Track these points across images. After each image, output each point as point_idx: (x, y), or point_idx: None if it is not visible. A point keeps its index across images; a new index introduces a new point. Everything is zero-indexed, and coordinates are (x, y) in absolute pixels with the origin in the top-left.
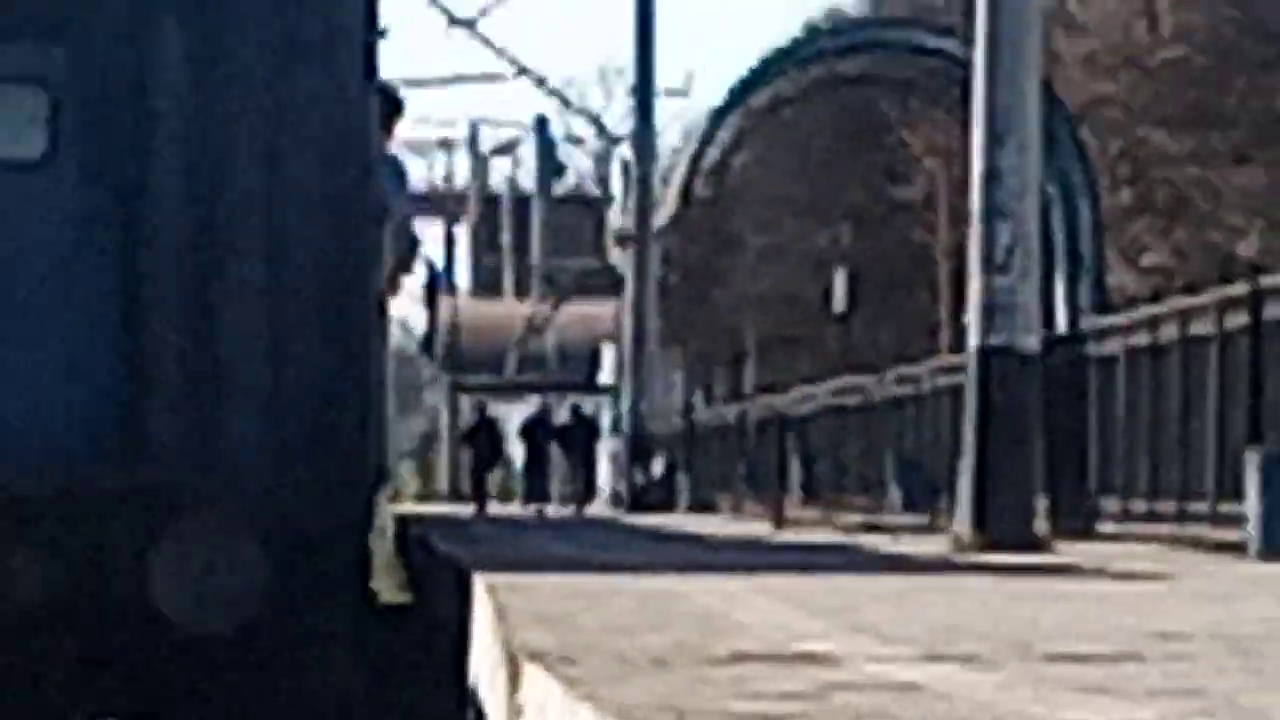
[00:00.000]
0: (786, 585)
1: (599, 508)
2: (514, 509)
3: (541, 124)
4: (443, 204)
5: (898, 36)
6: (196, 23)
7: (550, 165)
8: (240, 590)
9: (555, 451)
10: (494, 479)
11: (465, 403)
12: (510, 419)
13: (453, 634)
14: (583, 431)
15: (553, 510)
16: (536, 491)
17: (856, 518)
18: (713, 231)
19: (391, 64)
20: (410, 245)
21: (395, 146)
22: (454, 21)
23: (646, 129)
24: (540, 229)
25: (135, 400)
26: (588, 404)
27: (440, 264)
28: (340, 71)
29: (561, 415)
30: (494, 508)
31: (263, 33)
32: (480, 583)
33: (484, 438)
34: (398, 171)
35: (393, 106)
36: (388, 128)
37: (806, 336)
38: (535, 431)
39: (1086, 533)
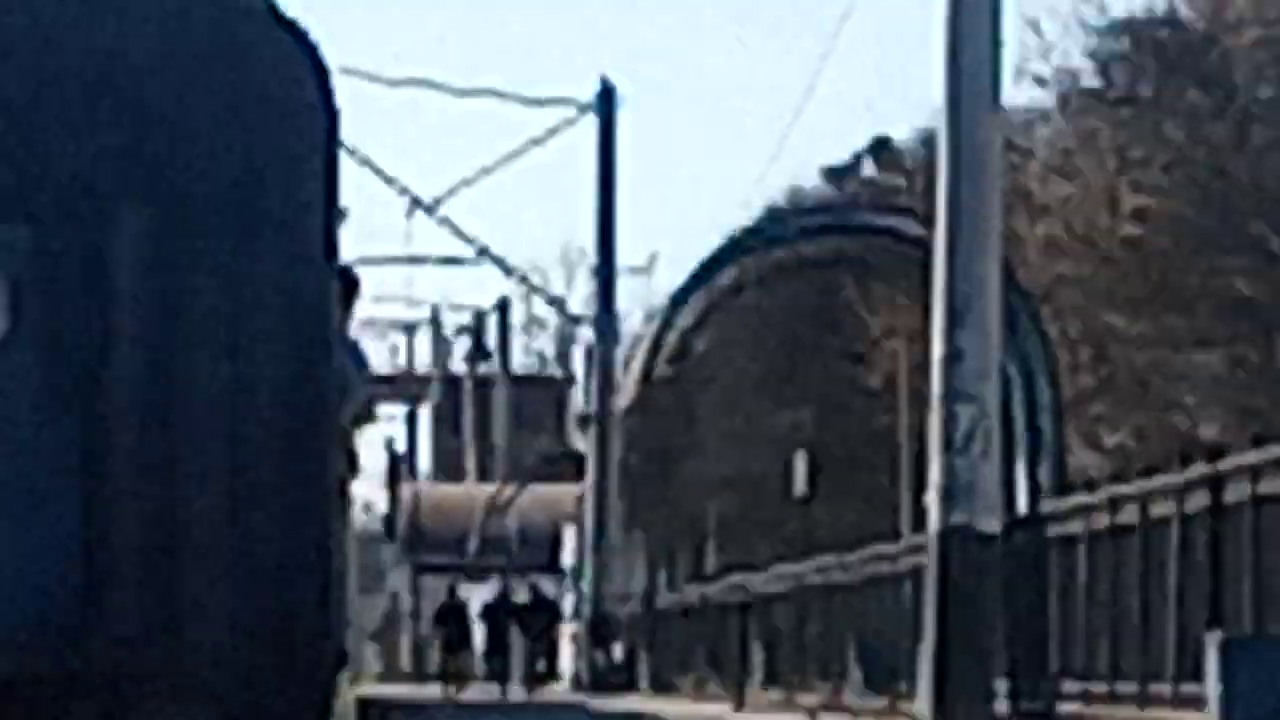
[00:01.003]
0: None
1: (561, 689)
2: (476, 690)
3: (503, 306)
4: (404, 386)
5: (859, 219)
6: (156, 202)
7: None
8: None
9: (516, 633)
10: (458, 660)
11: (429, 584)
12: (472, 601)
13: None
14: (543, 613)
15: (514, 691)
16: (498, 673)
17: (817, 699)
18: (674, 413)
19: (352, 245)
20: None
21: (357, 328)
22: (416, 204)
23: (608, 311)
24: (502, 411)
25: (94, 581)
26: (549, 585)
27: (402, 446)
28: (301, 251)
29: (522, 597)
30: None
31: (222, 212)
32: None
33: (453, 619)
34: (357, 353)
35: (350, 286)
36: (346, 308)
37: (768, 518)
38: (496, 613)
39: (1047, 714)
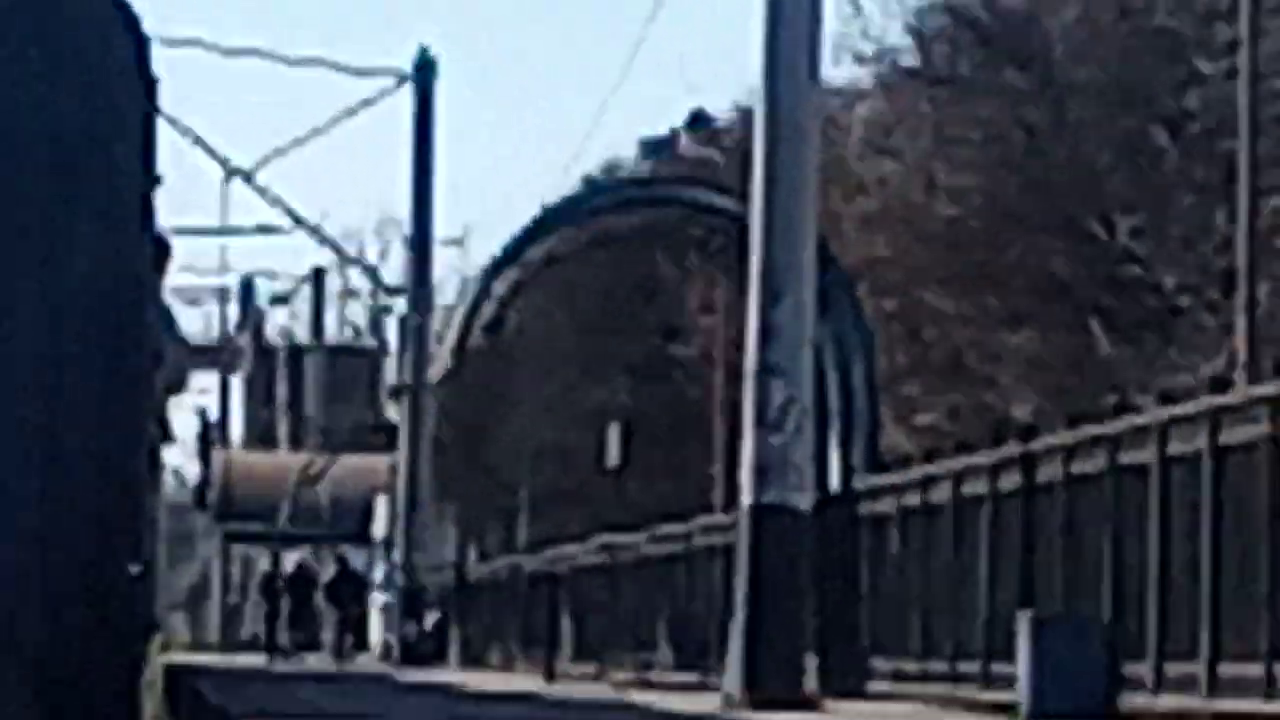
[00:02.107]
0: None
1: (370, 660)
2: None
3: (318, 276)
4: (218, 355)
5: (675, 193)
6: None
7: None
8: None
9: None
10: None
11: (239, 553)
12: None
13: None
14: (349, 584)
15: (317, 661)
16: (303, 643)
17: (628, 674)
18: (488, 385)
19: (169, 212)
20: (179, 383)
21: (170, 295)
22: (232, 172)
23: (422, 282)
24: (315, 381)
25: None
26: (358, 556)
27: (214, 415)
28: (115, 218)
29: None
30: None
31: (35, 177)
32: None
33: (275, 589)
34: (168, 321)
35: (162, 253)
36: (158, 273)
37: (580, 491)
38: (299, 583)
39: (858, 692)
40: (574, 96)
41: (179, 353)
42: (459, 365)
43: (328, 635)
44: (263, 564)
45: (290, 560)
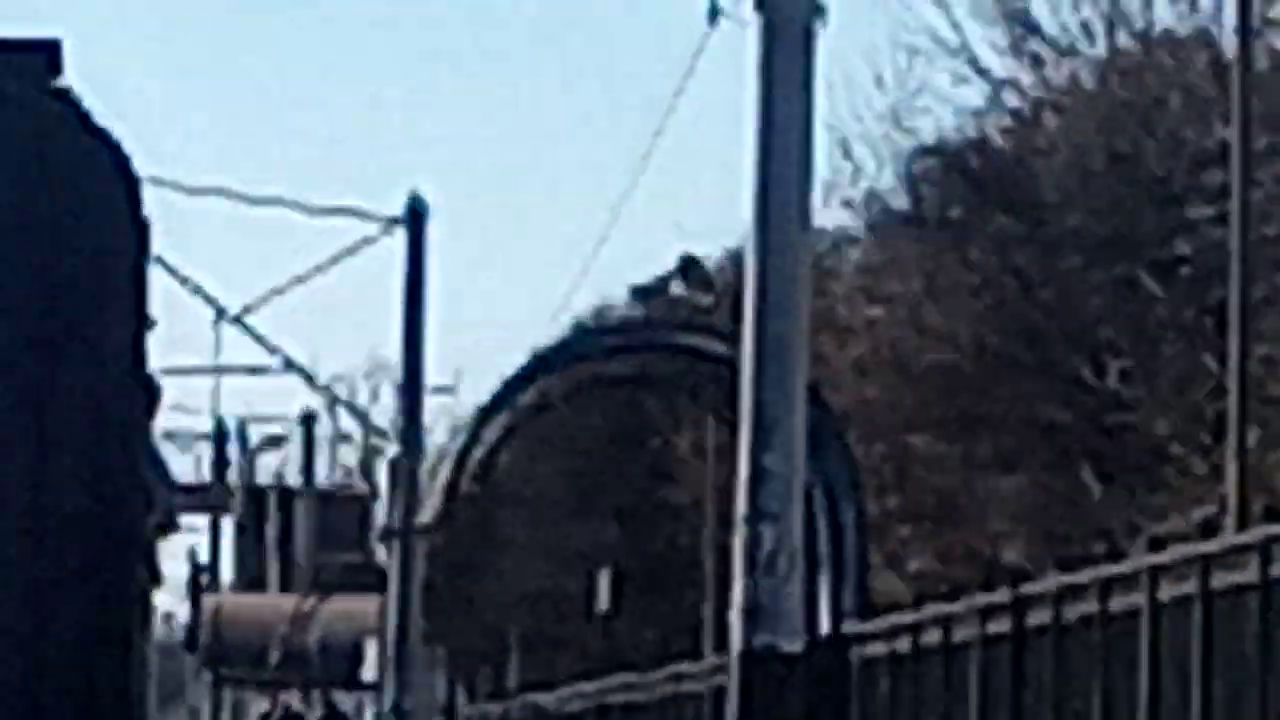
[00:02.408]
0: None
1: None
2: None
3: (308, 419)
4: (208, 497)
5: (665, 338)
6: None
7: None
8: None
9: None
10: None
11: (229, 696)
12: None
13: None
14: None
15: None
16: None
17: None
18: (478, 529)
19: (160, 353)
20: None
21: (161, 438)
22: (221, 314)
23: (413, 425)
24: (305, 524)
25: None
26: (346, 699)
27: (205, 558)
28: (108, 362)
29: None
30: None
31: (29, 321)
32: None
33: None
34: (157, 463)
35: (152, 395)
36: (148, 416)
37: (570, 635)
38: None
39: None
40: (565, 241)
41: (169, 495)
42: (449, 509)
43: None
44: (254, 708)
45: (268, 706)
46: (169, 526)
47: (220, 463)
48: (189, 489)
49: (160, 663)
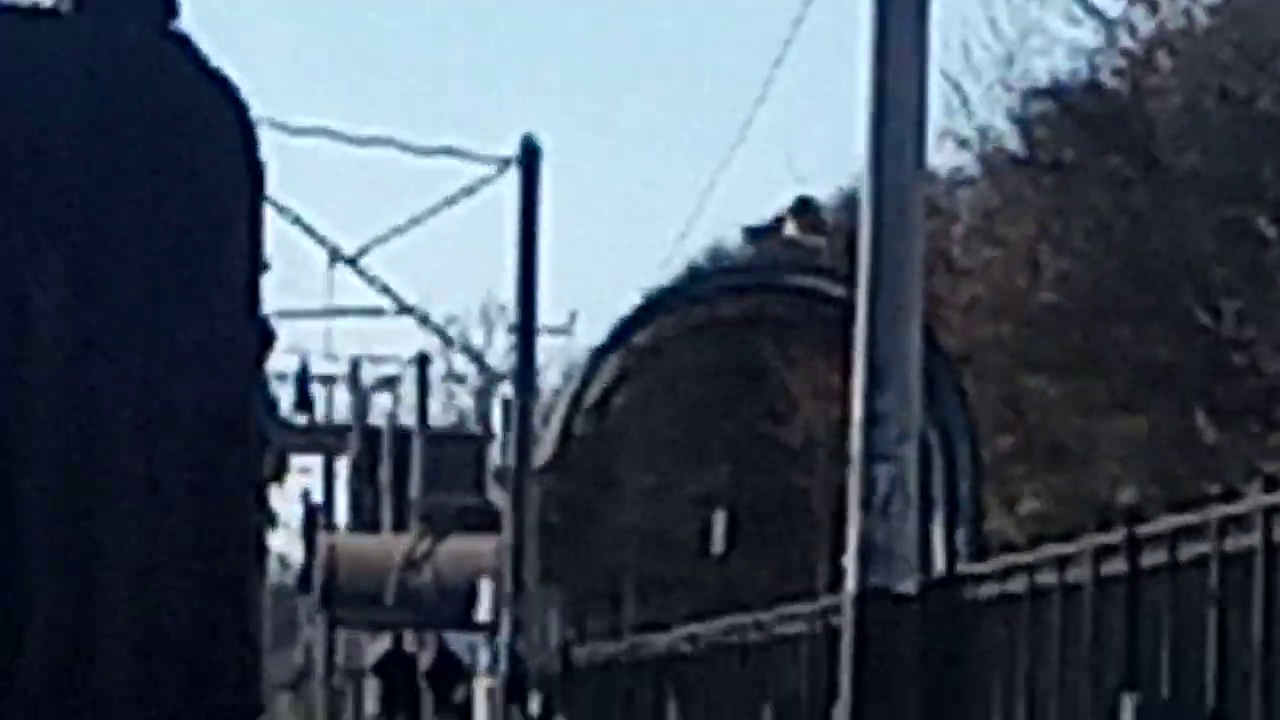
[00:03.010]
0: None
1: None
2: None
3: (422, 360)
4: (323, 439)
5: (779, 279)
6: (77, 254)
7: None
8: None
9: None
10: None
11: (344, 637)
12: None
13: None
14: (446, 669)
15: None
16: None
17: None
18: (592, 470)
19: (274, 296)
20: (279, 470)
21: (274, 380)
22: (336, 257)
23: (527, 367)
24: (420, 465)
25: (4, 637)
26: (457, 640)
27: (319, 499)
28: (223, 306)
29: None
30: None
31: (144, 265)
32: None
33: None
34: (268, 401)
35: (266, 339)
36: (262, 359)
37: (685, 576)
38: (390, 668)
39: None
40: (679, 182)
41: (283, 437)
42: (564, 450)
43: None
44: (369, 649)
45: (386, 645)
46: (282, 468)
47: (304, 401)
48: (303, 430)
49: (274, 604)
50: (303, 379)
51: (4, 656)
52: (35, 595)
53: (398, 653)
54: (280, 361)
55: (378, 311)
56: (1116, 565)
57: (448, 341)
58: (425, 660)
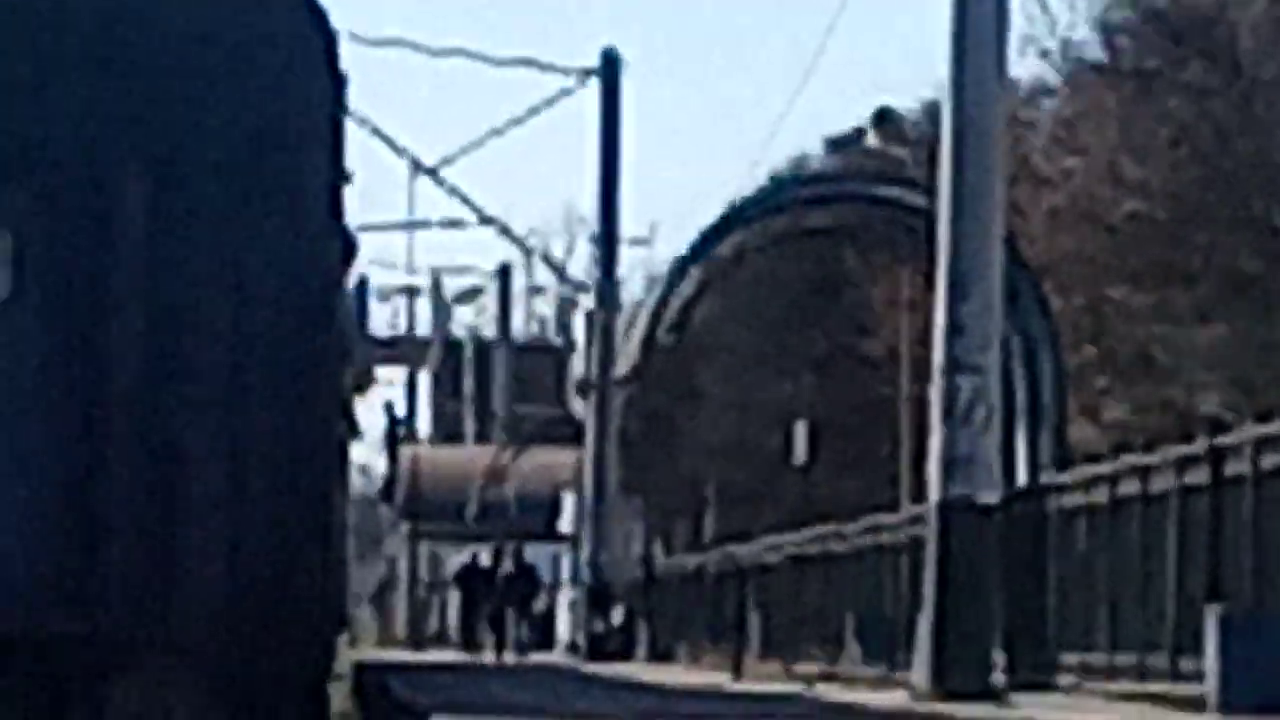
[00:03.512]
0: None
1: (556, 656)
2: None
3: (504, 272)
4: (405, 350)
5: (862, 190)
6: (160, 166)
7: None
8: None
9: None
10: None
11: (426, 549)
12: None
13: None
14: (523, 580)
15: (504, 658)
16: (471, 640)
17: (815, 668)
18: (674, 381)
19: (357, 208)
20: (366, 379)
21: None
22: (419, 168)
23: (609, 278)
24: (502, 376)
25: (91, 543)
26: (536, 552)
27: (401, 410)
28: (306, 215)
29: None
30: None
31: (227, 174)
32: None
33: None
34: (356, 317)
35: (349, 248)
36: (345, 269)
37: (767, 487)
38: (471, 579)
39: (1045, 685)
40: (759, 94)
41: (367, 348)
42: (646, 361)
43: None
44: (451, 559)
45: (468, 557)
46: (367, 379)
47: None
48: (386, 342)
49: (358, 515)
50: (361, 293)
51: (87, 556)
52: (118, 495)
53: (476, 565)
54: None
55: (459, 223)
56: (1199, 475)
57: (528, 253)
58: (504, 572)
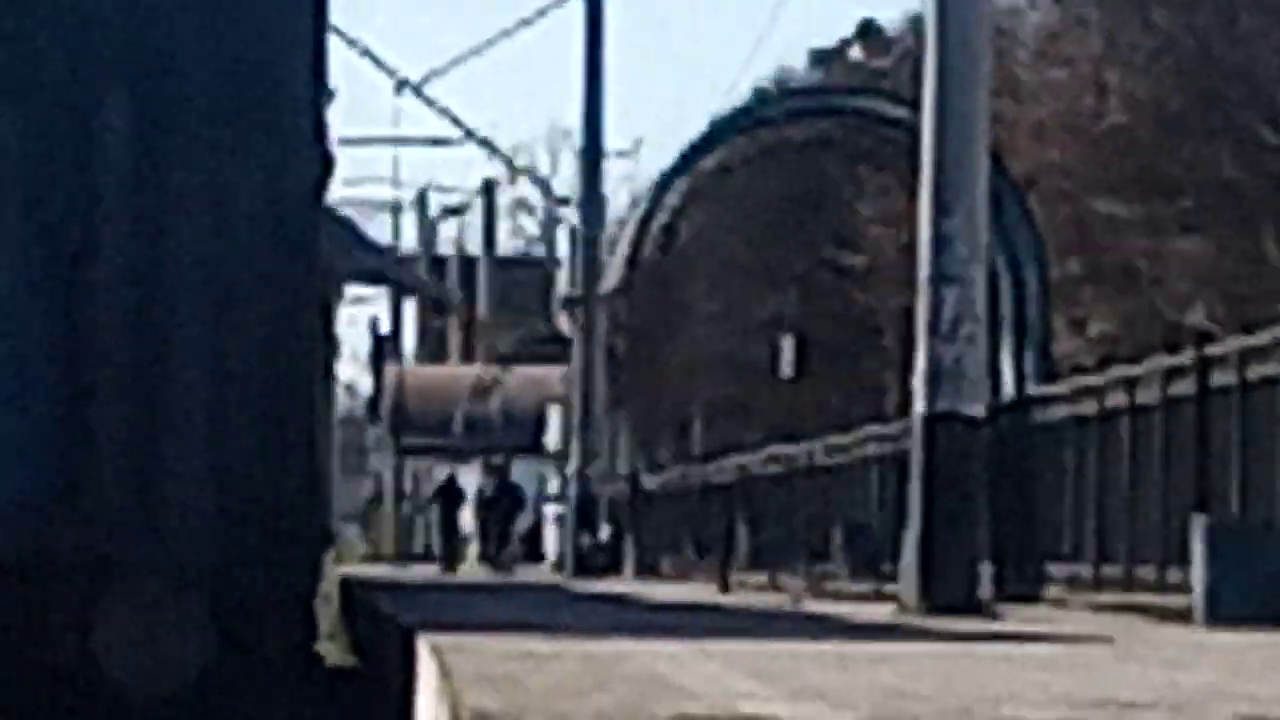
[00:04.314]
0: (731, 649)
1: (543, 572)
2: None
3: (489, 188)
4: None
5: (846, 102)
6: (143, 86)
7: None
8: (184, 653)
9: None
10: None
11: (412, 466)
12: (465, 483)
13: (398, 696)
14: (507, 499)
15: (489, 574)
16: (448, 556)
17: (802, 582)
18: (660, 296)
19: (340, 124)
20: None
21: (346, 207)
22: (402, 85)
23: (594, 193)
24: (487, 293)
25: (78, 463)
26: (521, 469)
27: (386, 327)
28: (288, 132)
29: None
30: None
31: (209, 92)
32: (425, 644)
33: (454, 501)
34: (349, 227)
35: (325, 163)
36: (322, 186)
37: (754, 401)
38: (447, 496)
39: (1032, 598)
40: (744, 7)
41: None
42: (631, 276)
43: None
44: (437, 476)
45: (453, 472)
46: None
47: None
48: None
49: (344, 433)
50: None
51: (75, 474)
52: (106, 415)
53: (454, 483)
54: (349, 190)
55: (444, 140)
56: (1185, 386)
57: (514, 169)
58: (487, 490)
